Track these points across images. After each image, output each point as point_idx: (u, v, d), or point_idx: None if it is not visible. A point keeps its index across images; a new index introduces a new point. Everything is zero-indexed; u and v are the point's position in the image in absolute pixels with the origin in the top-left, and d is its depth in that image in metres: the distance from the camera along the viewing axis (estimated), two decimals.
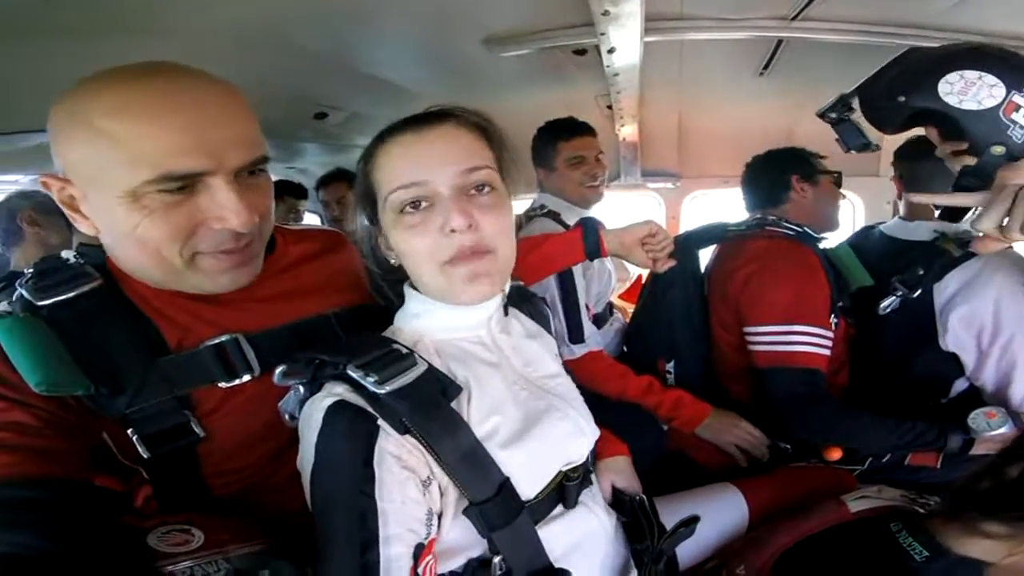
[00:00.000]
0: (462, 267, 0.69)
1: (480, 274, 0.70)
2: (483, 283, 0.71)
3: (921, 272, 1.33)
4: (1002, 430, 1.18)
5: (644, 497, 0.90)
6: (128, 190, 0.62)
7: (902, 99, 0.95)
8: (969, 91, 0.87)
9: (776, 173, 1.58)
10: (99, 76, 0.64)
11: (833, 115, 1.09)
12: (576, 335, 1.55)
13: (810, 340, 1.35)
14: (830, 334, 1.37)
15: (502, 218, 0.71)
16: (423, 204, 0.69)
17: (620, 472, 0.95)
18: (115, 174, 0.62)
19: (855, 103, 1.08)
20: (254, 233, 0.73)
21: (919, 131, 1.06)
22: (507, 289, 0.81)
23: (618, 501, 0.91)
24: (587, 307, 1.65)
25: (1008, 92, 0.86)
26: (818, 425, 1.34)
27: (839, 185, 1.62)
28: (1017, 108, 0.86)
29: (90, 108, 0.62)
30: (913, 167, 1.51)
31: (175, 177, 0.63)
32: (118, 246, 0.71)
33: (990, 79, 0.86)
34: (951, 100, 0.89)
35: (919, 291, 1.33)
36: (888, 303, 1.37)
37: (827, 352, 1.37)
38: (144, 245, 0.66)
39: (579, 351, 1.55)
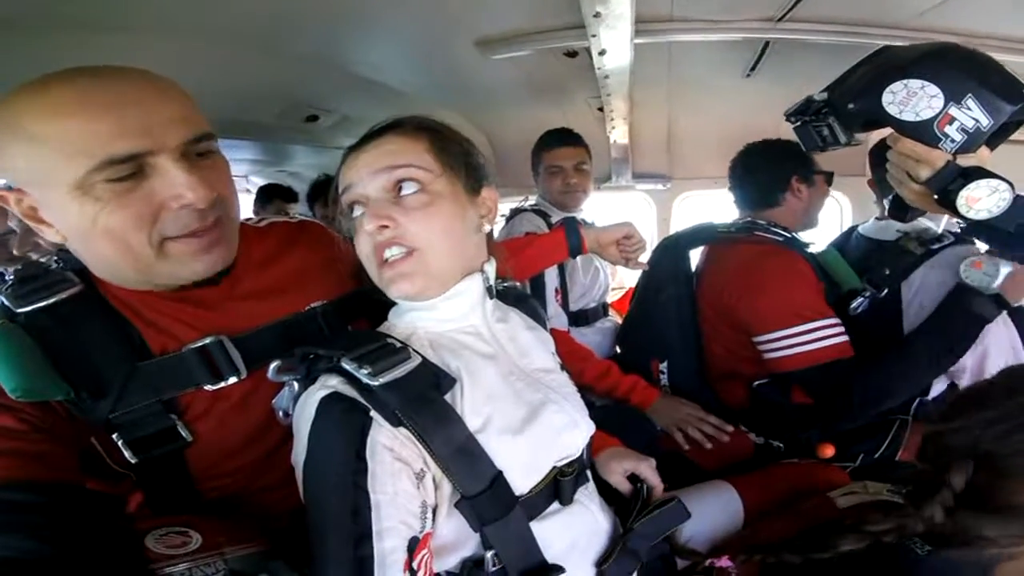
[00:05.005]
0: (387, 270, 0.71)
1: (402, 275, 0.71)
2: (403, 283, 0.71)
3: (887, 272, 1.33)
4: (1002, 266, 1.14)
5: (653, 487, 0.93)
6: (73, 183, 0.62)
7: (852, 107, 0.96)
8: (910, 102, 0.88)
9: (775, 171, 1.52)
10: (25, 85, 0.63)
11: (795, 120, 1.06)
12: None
13: (830, 332, 1.32)
14: (839, 320, 1.35)
15: (431, 218, 0.71)
16: (356, 209, 0.73)
17: (624, 456, 0.95)
18: (58, 171, 0.61)
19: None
20: (220, 212, 0.72)
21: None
22: (490, 275, 0.81)
23: (632, 489, 0.92)
24: (556, 291, 1.70)
25: (946, 104, 0.86)
26: (869, 397, 1.29)
27: (830, 184, 1.60)
28: (951, 121, 0.86)
29: (22, 117, 0.61)
30: (880, 170, 1.49)
31: (116, 161, 0.62)
32: (87, 247, 0.69)
33: (932, 89, 0.86)
34: (892, 111, 0.90)
35: (885, 291, 1.33)
36: (857, 303, 1.37)
37: (847, 337, 1.33)
38: (111, 238, 0.65)
39: None
